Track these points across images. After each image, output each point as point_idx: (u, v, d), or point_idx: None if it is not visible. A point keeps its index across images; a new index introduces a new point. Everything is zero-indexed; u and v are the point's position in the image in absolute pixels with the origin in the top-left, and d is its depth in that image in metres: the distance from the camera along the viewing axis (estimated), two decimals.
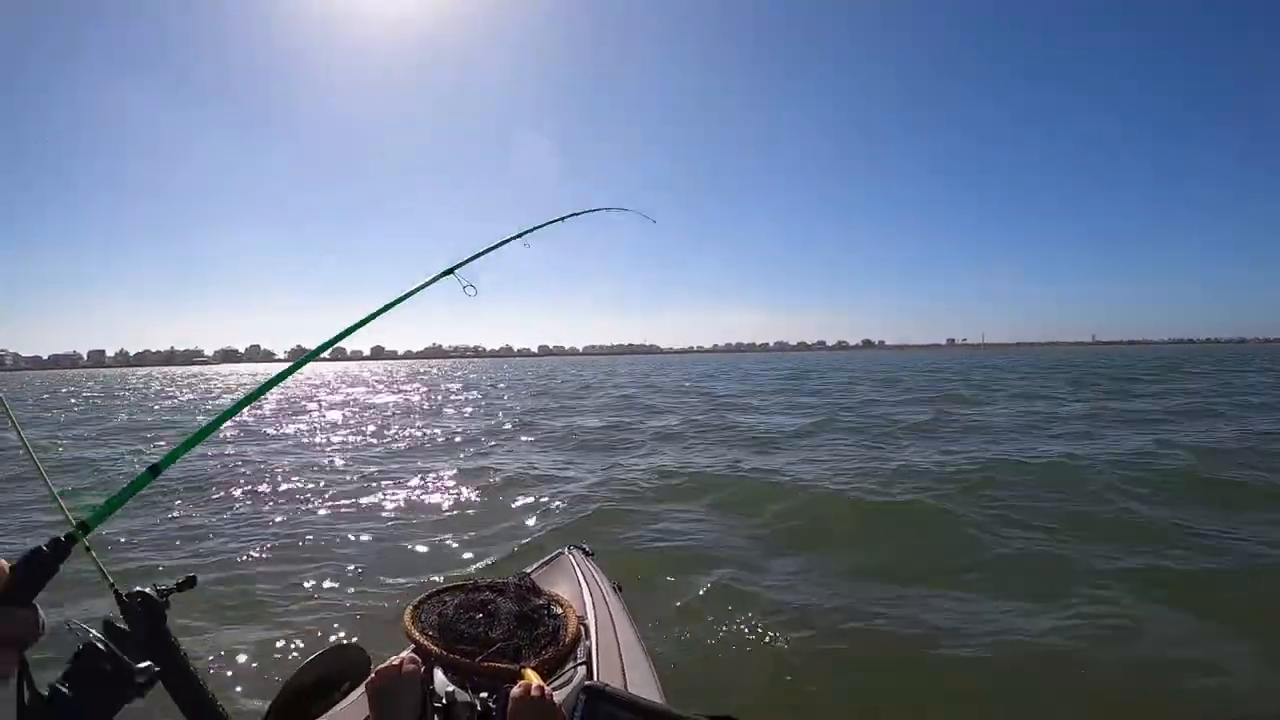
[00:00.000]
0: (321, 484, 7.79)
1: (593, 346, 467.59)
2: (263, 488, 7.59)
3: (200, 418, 18.14)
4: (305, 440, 12.21)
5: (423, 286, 1.91)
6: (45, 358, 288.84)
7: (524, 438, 11.75)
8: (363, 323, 1.75)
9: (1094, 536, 5.00)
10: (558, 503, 6.43)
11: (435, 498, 6.92)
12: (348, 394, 28.76)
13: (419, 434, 12.60)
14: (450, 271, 1.95)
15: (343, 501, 6.77)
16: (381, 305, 1.79)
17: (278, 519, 6.13)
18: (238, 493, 7.31)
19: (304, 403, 23.08)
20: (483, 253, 2.11)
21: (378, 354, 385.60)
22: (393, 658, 1.42)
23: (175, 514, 6.33)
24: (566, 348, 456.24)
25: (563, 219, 2.35)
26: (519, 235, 2.17)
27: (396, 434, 12.80)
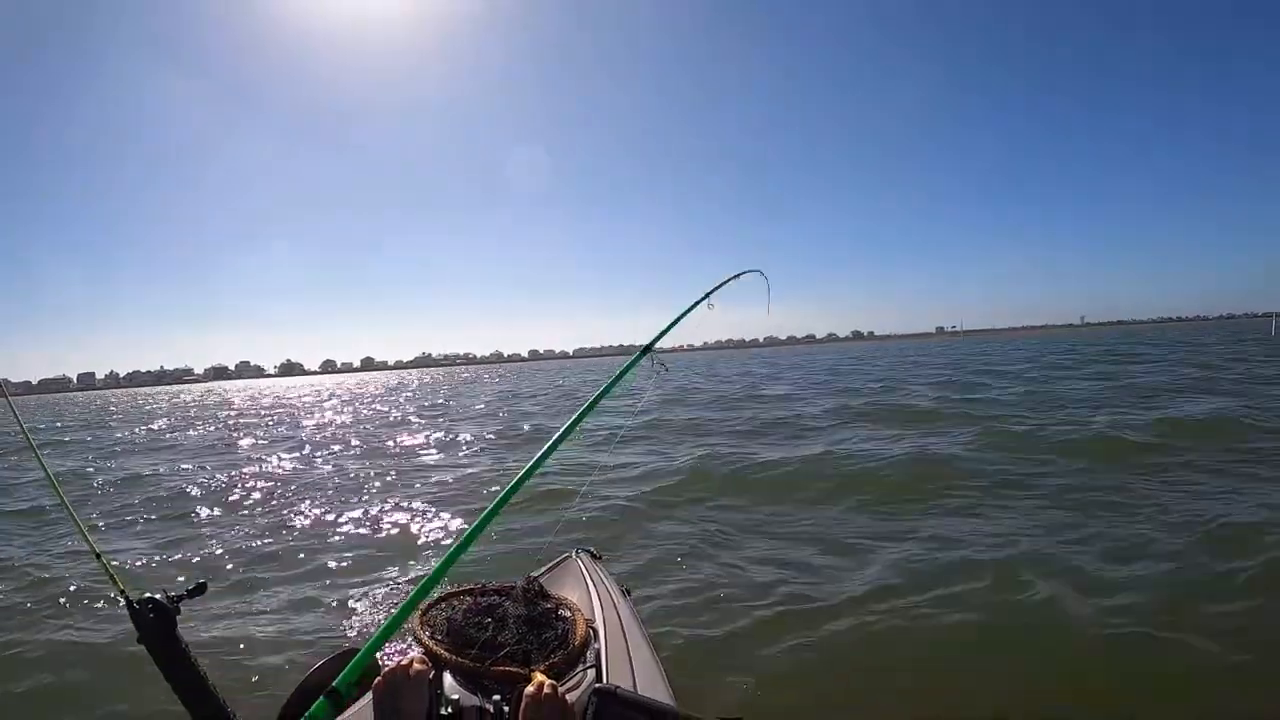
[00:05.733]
0: (321, 490, 7.89)
1: (583, 349, 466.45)
2: (259, 496, 7.71)
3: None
4: (309, 451, 12.13)
5: (625, 371, 2.18)
6: (35, 383, 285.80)
7: None
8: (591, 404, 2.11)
9: None
10: None
11: (443, 502, 6.91)
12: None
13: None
14: (648, 350, 2.24)
15: (344, 508, 6.82)
16: (586, 404, 2.11)
17: (278, 526, 6.20)
18: (245, 501, 7.47)
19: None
20: (671, 326, 2.34)
21: (368, 365, 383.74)
22: (401, 659, 1.43)
23: (179, 522, 6.47)
24: (557, 351, 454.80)
25: (738, 276, 2.61)
26: (704, 298, 2.42)
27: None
